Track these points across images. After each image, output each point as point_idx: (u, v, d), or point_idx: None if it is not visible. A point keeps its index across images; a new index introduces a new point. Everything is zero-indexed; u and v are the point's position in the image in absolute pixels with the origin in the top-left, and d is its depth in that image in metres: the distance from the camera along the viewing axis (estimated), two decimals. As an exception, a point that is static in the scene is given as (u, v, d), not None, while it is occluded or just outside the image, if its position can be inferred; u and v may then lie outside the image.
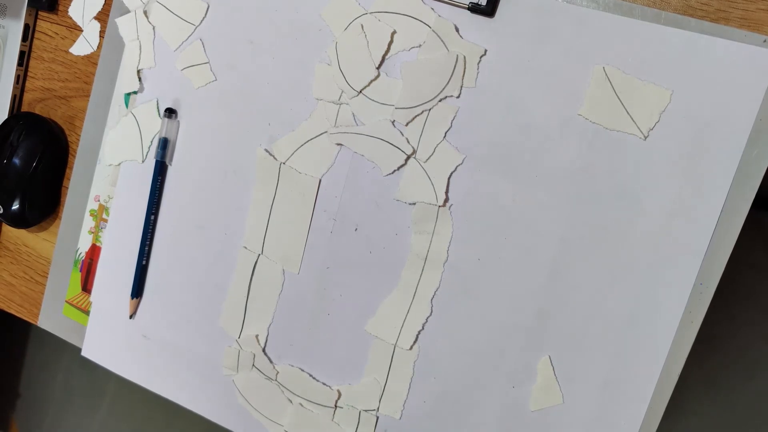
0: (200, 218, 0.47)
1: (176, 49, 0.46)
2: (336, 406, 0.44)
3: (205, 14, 0.45)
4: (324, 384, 0.45)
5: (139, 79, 0.47)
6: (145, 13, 0.47)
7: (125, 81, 0.48)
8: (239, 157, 0.45)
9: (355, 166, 0.42)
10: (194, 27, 0.45)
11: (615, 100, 0.37)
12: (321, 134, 0.43)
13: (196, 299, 0.47)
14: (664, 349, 0.37)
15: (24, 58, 0.52)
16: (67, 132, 0.52)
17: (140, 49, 0.47)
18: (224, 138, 0.45)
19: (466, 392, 0.41)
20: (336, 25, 0.42)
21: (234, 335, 0.46)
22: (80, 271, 0.51)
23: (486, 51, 0.39)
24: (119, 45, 0.48)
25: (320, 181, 0.43)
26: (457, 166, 0.40)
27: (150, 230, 0.48)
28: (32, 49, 0.52)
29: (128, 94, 0.48)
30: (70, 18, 0.50)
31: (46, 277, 0.53)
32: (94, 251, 0.51)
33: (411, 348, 0.42)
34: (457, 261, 0.41)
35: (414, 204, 0.41)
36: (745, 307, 1.01)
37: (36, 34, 0.52)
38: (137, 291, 0.48)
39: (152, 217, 0.47)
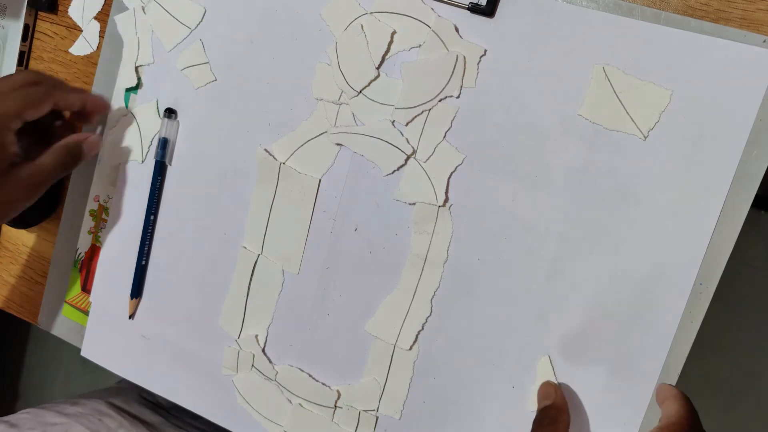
0: (200, 218, 0.47)
1: (170, 51, 0.46)
2: (336, 406, 0.44)
3: (201, 19, 0.45)
4: (324, 384, 0.45)
5: (138, 75, 0.47)
6: (143, 10, 0.47)
7: (124, 77, 0.48)
8: (239, 157, 0.45)
9: (355, 166, 0.42)
10: (190, 30, 0.45)
11: (615, 100, 0.37)
12: (321, 134, 0.43)
13: (196, 299, 0.47)
14: (664, 349, 0.37)
15: (24, 58, 0.52)
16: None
17: (138, 45, 0.47)
18: (224, 138, 0.45)
19: (466, 392, 0.41)
20: (336, 25, 0.42)
21: (234, 335, 0.46)
22: (80, 271, 0.51)
23: (486, 51, 0.39)
24: (119, 45, 0.48)
25: (320, 181, 0.43)
26: (457, 166, 0.40)
27: (150, 230, 0.48)
28: (32, 49, 0.52)
29: (128, 94, 0.48)
30: (70, 18, 0.50)
31: (46, 277, 0.53)
32: (93, 251, 0.51)
33: (411, 348, 0.42)
34: (457, 261, 0.41)
35: (414, 204, 0.41)
36: (745, 307, 1.01)
37: (36, 34, 0.52)
38: (137, 291, 0.48)
39: (152, 217, 0.47)
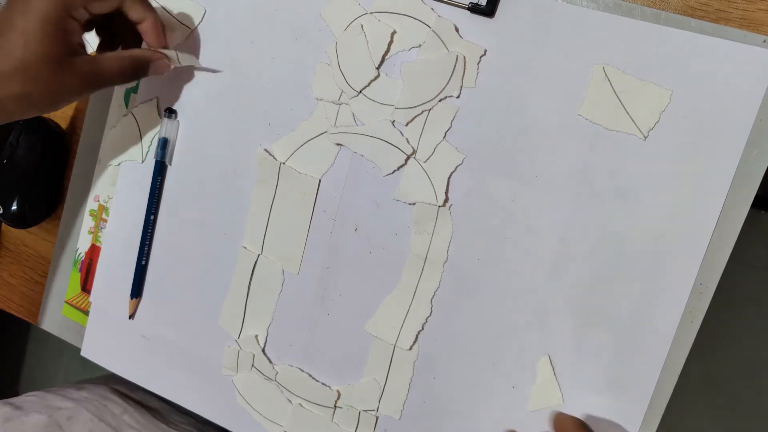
0: (200, 218, 0.47)
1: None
2: (336, 406, 0.44)
3: (201, 19, 0.45)
4: (324, 384, 0.45)
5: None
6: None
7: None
8: (239, 157, 0.45)
9: (355, 166, 0.42)
10: (190, 30, 0.45)
11: (615, 100, 0.37)
12: (321, 134, 0.43)
13: (196, 299, 0.47)
14: (664, 349, 0.37)
15: (24, 58, 0.52)
16: (67, 132, 0.52)
17: (140, 49, 0.47)
18: (224, 138, 0.45)
19: (466, 392, 0.41)
20: (336, 25, 0.42)
21: (234, 335, 0.46)
22: (80, 271, 0.51)
23: (486, 51, 0.39)
24: (119, 45, 0.48)
25: (320, 181, 0.43)
26: (457, 166, 0.40)
27: (150, 230, 0.48)
28: (32, 49, 0.52)
29: (128, 94, 0.48)
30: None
31: (46, 277, 0.53)
32: (93, 251, 0.51)
33: (411, 348, 0.42)
34: (457, 261, 0.41)
35: (414, 204, 0.41)
36: (745, 307, 1.01)
37: (36, 34, 0.52)
38: (137, 291, 0.48)
39: (152, 217, 0.47)
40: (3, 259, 0.55)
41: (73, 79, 0.38)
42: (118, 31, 0.43)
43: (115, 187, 0.49)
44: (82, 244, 0.51)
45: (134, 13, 0.41)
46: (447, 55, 0.39)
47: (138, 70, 0.42)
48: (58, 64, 0.37)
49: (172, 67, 0.43)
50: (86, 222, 0.51)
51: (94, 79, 0.39)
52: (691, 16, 0.35)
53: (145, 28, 0.42)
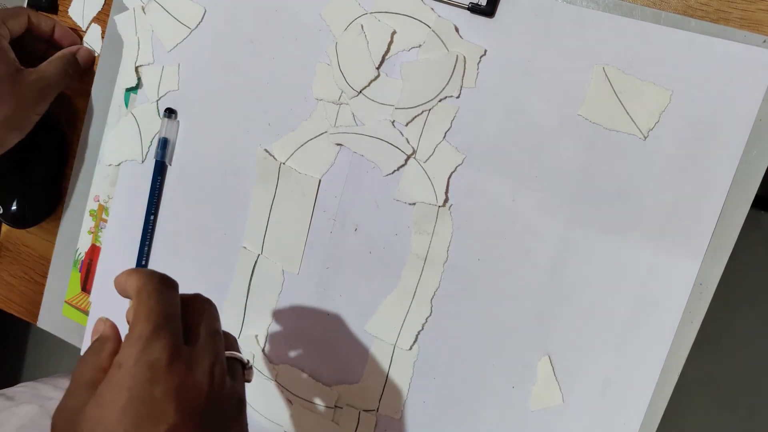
0: (200, 218, 0.47)
1: (170, 51, 0.46)
2: (336, 406, 0.44)
3: (201, 19, 0.45)
4: (324, 384, 0.45)
5: (138, 75, 0.47)
6: (143, 10, 0.47)
7: (124, 77, 0.48)
8: (239, 157, 0.45)
9: (355, 166, 0.42)
10: (190, 30, 0.45)
11: (615, 100, 0.37)
12: (321, 134, 0.43)
13: (196, 299, 0.47)
14: (664, 349, 0.37)
15: (24, 58, 0.52)
16: (67, 132, 0.52)
17: (138, 45, 0.47)
18: (224, 138, 0.45)
19: (465, 392, 0.41)
20: (336, 25, 0.42)
21: (234, 335, 0.46)
22: (80, 271, 0.51)
23: (486, 51, 0.39)
24: (119, 45, 0.48)
25: (320, 181, 0.43)
26: (457, 166, 0.40)
27: (150, 230, 0.48)
28: (32, 49, 0.52)
29: (128, 94, 0.48)
30: (70, 18, 0.50)
31: (46, 277, 0.53)
32: (93, 251, 0.51)
33: (411, 348, 0.42)
34: (457, 261, 0.41)
35: (414, 204, 0.41)
36: (745, 307, 1.01)
37: (36, 34, 0.52)
38: (137, 291, 0.48)
39: (152, 217, 0.47)
40: (3, 259, 0.55)
41: (30, 89, 0.44)
42: (30, 52, 0.48)
43: (115, 187, 0.49)
44: (82, 244, 0.51)
45: (39, 24, 0.47)
46: (447, 55, 0.39)
47: (72, 65, 0.47)
48: (12, 78, 0.42)
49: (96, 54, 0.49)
50: (86, 222, 0.51)
51: (44, 84, 0.45)
52: (691, 16, 0.35)
53: (58, 34, 0.48)
